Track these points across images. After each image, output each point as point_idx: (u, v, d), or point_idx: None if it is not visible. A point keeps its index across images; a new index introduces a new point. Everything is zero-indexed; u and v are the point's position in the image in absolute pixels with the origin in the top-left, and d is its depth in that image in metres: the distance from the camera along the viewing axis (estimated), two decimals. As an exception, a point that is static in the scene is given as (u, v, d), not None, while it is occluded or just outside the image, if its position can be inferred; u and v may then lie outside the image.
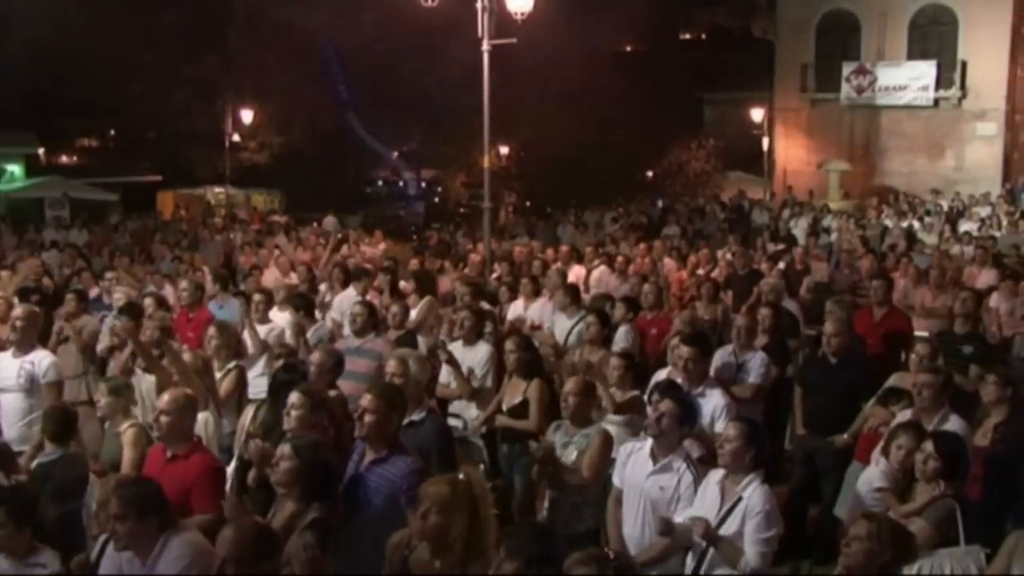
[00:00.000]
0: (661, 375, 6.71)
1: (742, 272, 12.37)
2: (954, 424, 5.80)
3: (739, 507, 4.69)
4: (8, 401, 7.03)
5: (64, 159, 40.95)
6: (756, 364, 7.45)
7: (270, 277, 12.76)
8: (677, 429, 5.16)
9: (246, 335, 8.24)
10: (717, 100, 39.83)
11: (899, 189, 31.74)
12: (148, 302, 8.89)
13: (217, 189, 33.57)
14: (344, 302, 9.60)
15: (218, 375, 7.01)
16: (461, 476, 4.10)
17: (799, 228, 23.52)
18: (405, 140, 40.19)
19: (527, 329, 9.32)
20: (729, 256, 13.92)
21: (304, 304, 9.21)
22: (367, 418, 4.83)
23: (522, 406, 6.93)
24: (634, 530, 5.18)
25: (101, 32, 28.74)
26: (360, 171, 40.65)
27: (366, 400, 4.89)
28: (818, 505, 7.11)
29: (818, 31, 34.29)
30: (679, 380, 6.19)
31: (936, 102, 32.49)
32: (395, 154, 40.33)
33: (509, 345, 7.33)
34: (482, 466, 6.84)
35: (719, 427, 6.02)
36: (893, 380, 6.86)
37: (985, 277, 13.13)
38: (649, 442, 5.22)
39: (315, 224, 25.42)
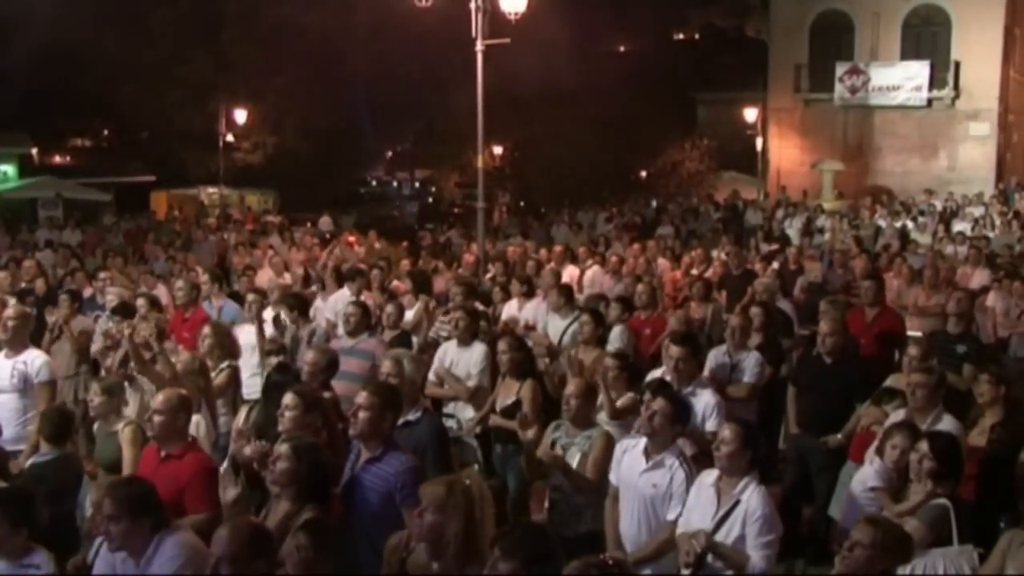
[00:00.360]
0: (655, 375, 6.71)
1: (736, 272, 12.43)
2: (948, 424, 5.80)
3: (737, 510, 4.68)
4: (3, 402, 7.01)
5: (57, 159, 40.91)
6: (750, 364, 7.47)
7: (264, 277, 12.73)
8: (670, 428, 5.16)
9: (245, 335, 8.20)
10: (711, 100, 39.82)
11: (893, 189, 31.83)
12: (141, 302, 8.87)
13: (211, 189, 33.47)
14: (338, 302, 9.59)
15: (211, 374, 6.98)
16: (465, 480, 4.09)
17: (793, 228, 23.62)
18: (399, 140, 40.15)
19: (521, 329, 9.30)
20: (723, 256, 13.97)
21: (298, 304, 9.19)
22: (361, 415, 4.81)
23: (515, 406, 6.92)
24: (630, 528, 5.18)
25: (94, 32, 28.70)
26: (354, 171, 40.57)
27: (361, 397, 4.87)
28: (812, 505, 7.12)
29: (812, 31, 34.37)
30: (670, 380, 6.19)
31: (929, 102, 32.60)
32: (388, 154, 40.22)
33: (501, 346, 7.34)
34: (476, 466, 6.83)
35: (710, 426, 6.07)
36: (891, 381, 6.86)
37: (978, 277, 13.18)
38: (643, 439, 5.23)
39: (309, 224, 25.40)
